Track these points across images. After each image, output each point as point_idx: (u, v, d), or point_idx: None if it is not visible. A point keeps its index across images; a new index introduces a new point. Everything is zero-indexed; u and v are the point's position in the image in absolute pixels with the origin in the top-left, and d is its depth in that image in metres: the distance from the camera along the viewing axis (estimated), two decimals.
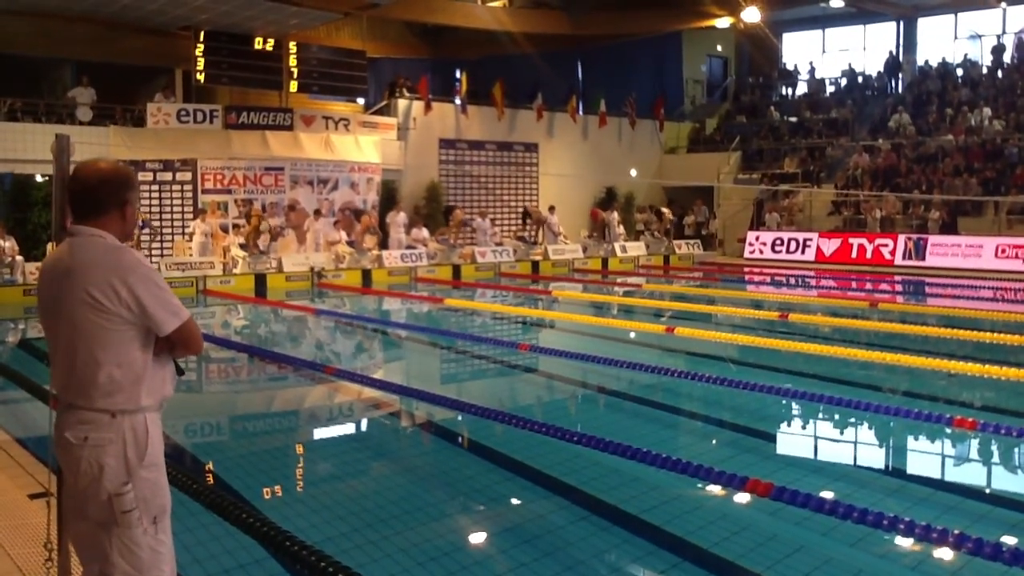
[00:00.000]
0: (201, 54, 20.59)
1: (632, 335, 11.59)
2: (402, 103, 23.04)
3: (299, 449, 6.86)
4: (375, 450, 6.81)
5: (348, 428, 7.71)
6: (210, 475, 5.99)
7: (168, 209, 18.72)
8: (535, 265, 21.62)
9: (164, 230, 18.66)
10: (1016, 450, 6.42)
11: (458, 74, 24.14)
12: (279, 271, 17.83)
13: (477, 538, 4.88)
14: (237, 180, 19.01)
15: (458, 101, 23.97)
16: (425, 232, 21.20)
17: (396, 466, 6.30)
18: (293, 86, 22.09)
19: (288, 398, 8.83)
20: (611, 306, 14.69)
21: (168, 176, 18.68)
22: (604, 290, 17.12)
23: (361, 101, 24.69)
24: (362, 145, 21.25)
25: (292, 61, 21.90)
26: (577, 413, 8.06)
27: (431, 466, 6.30)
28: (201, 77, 20.77)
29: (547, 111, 25.60)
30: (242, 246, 18.06)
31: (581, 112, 26.60)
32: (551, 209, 24.11)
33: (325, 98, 23.97)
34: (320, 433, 7.49)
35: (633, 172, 26.60)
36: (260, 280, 17.49)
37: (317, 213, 19.60)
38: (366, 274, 18.73)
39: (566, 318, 13.58)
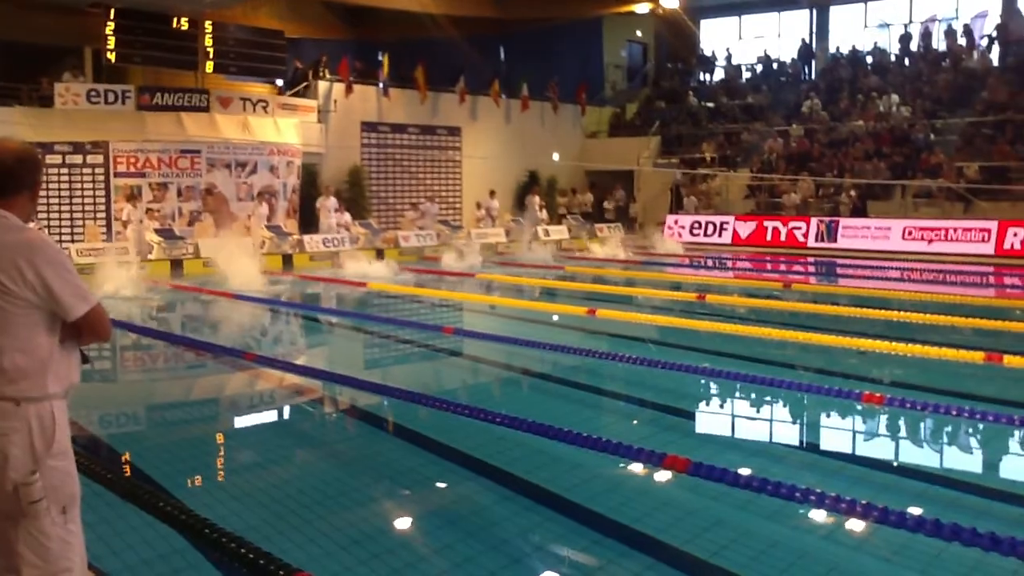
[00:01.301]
0: (112, 32, 19.86)
1: (555, 318, 11.69)
2: (323, 85, 22.70)
3: (219, 437, 6.74)
4: (298, 436, 6.74)
5: (270, 415, 7.61)
6: (127, 465, 5.85)
7: (79, 193, 18.09)
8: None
9: (75, 215, 18.03)
10: (922, 424, 6.70)
11: (380, 56, 23.84)
12: (196, 257, 17.43)
13: (402, 521, 4.88)
14: (151, 163, 18.48)
15: (380, 84, 23.73)
16: (348, 216, 20.99)
17: (319, 452, 6.25)
18: (209, 67, 21.52)
19: (207, 386, 8.66)
20: (534, 289, 14.76)
21: (78, 159, 18.04)
22: (527, 273, 17.18)
23: (280, 83, 24.22)
24: (281, 127, 20.89)
25: (208, 41, 21.31)
26: (501, 395, 8.10)
27: (355, 451, 6.27)
28: (112, 56, 20.05)
29: (470, 95, 25.55)
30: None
31: (504, 96, 26.61)
32: (491, 194, 24.20)
33: (243, 79, 23.44)
34: (241, 420, 7.37)
35: (555, 156, 26.75)
36: (176, 265, 17.06)
37: (261, 196, 19.26)
38: (287, 258, 18.45)
39: (490, 301, 13.62)
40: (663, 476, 5.26)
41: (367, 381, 7.84)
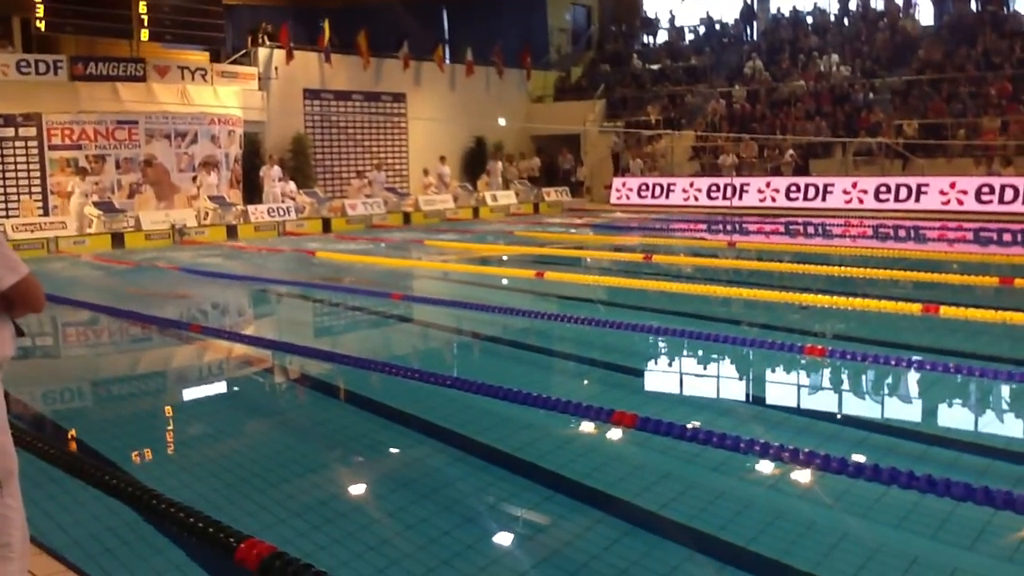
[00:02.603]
0: (41, 1, 19.20)
1: (504, 281, 11.72)
2: (263, 52, 22.26)
3: (168, 410, 6.66)
4: (248, 406, 6.70)
5: (219, 386, 7.55)
6: (73, 440, 5.77)
7: (12, 168, 17.56)
8: (406, 216, 21.49)
9: (8, 189, 17.52)
10: (862, 374, 6.88)
11: (321, 23, 23.42)
12: (137, 229, 17.09)
13: (354, 485, 4.90)
14: (87, 135, 17.99)
15: (322, 51, 23.34)
16: (292, 185, 20.72)
17: (270, 421, 6.22)
18: (144, 35, 20.91)
19: (154, 358, 8.54)
20: (484, 253, 14.76)
21: (10, 132, 17.46)
22: (476, 238, 17.17)
23: (219, 50, 23.70)
24: (221, 96, 20.48)
25: (142, 8, 20.65)
26: (451, 359, 8.14)
27: (306, 418, 6.26)
28: (42, 25, 19.37)
29: (414, 60, 25.27)
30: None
31: (448, 61, 26.39)
32: (442, 160, 24.08)
33: (180, 47, 22.87)
34: (189, 392, 7.30)
35: (502, 121, 26.65)
36: (117, 239, 16.72)
37: (207, 166, 18.90)
38: (231, 229, 18.18)
39: (439, 267, 13.59)
40: (612, 432, 5.35)
41: (316, 349, 7.81)
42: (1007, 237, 15.72)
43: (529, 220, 21.56)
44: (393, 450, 5.45)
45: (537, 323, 8.81)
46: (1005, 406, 6.17)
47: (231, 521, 3.94)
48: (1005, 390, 6.27)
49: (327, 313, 10.43)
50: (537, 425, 5.59)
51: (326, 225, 19.81)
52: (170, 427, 6.25)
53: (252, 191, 20.76)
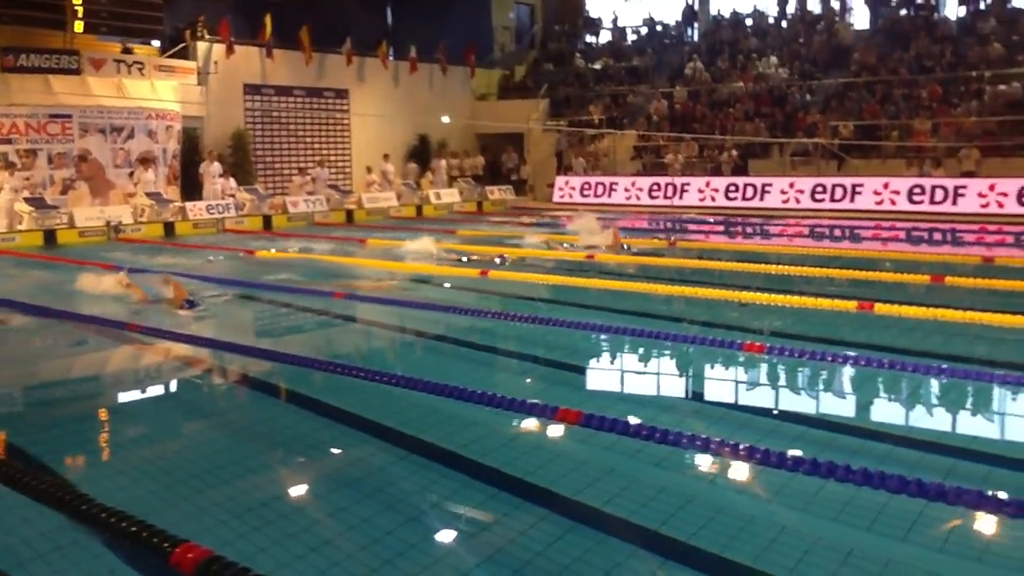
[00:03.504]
0: None
1: (448, 279, 11.68)
2: (202, 46, 21.84)
3: (102, 412, 6.51)
4: (185, 407, 6.57)
5: (156, 386, 7.38)
6: (2, 444, 5.59)
7: None
8: (349, 214, 21.30)
9: None
10: (799, 370, 7.01)
11: (263, 16, 23.06)
12: (70, 226, 16.65)
13: (296, 486, 4.84)
14: (18, 129, 17.47)
15: (263, 45, 22.99)
16: (233, 182, 20.40)
17: (209, 422, 6.12)
18: (78, 26, 20.38)
19: (89, 358, 8.33)
20: (429, 252, 14.65)
21: None
22: (421, 236, 17.08)
23: (157, 44, 23.19)
24: (159, 90, 20.06)
25: None
26: (395, 357, 8.09)
27: (245, 419, 6.17)
28: None
29: (357, 56, 25.05)
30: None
31: (392, 58, 26.20)
32: (385, 157, 23.91)
33: (116, 39, 22.33)
34: (125, 393, 7.13)
35: (445, 119, 26.58)
36: (49, 236, 16.27)
37: (145, 162, 18.47)
38: (169, 227, 17.82)
39: (383, 265, 13.47)
40: (556, 429, 5.37)
41: (256, 348, 7.69)
42: (937, 236, 16.16)
43: (473, 219, 21.50)
44: (335, 449, 5.40)
45: (480, 321, 8.80)
46: (936, 401, 6.35)
47: (167, 525, 3.85)
48: (936, 385, 6.44)
49: (268, 312, 10.27)
50: (481, 423, 5.58)
51: (267, 223, 19.54)
52: (104, 429, 6.10)
53: (191, 188, 20.38)
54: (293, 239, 16.78)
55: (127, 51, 20.86)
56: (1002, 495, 4.11)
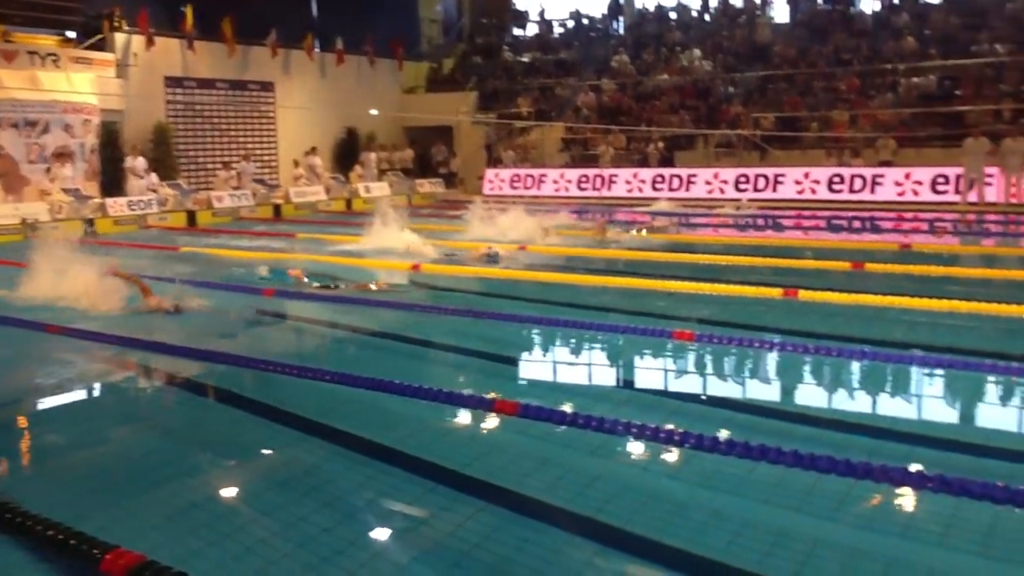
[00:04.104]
0: None
1: (380, 274, 11.58)
2: (120, 37, 21.20)
3: (22, 417, 6.28)
4: (111, 409, 6.40)
5: (80, 389, 7.15)
6: None
7: None
8: (277, 208, 20.99)
9: None
10: (729, 357, 7.16)
11: (183, 7, 22.49)
12: None
13: (228, 487, 4.76)
14: None
15: (184, 36, 22.44)
16: (155, 177, 19.90)
17: (137, 424, 5.97)
18: None
19: (8, 364, 8.02)
20: (359, 247, 14.52)
21: None
22: (350, 231, 16.91)
23: (73, 35, 22.45)
24: (75, 83, 19.43)
25: None
26: (327, 354, 8.01)
27: (174, 420, 6.03)
28: None
29: (282, 48, 24.64)
30: None
31: (318, 50, 25.85)
32: (312, 150, 23.57)
33: (29, 31, 21.52)
34: (48, 397, 6.89)
35: (373, 112, 26.36)
36: None
37: (63, 157, 17.79)
38: (88, 224, 17.30)
39: (314, 260, 13.31)
40: (492, 421, 5.39)
41: (184, 347, 7.51)
42: (857, 224, 16.65)
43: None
44: (268, 448, 5.32)
45: (413, 315, 8.76)
46: (858, 384, 6.55)
47: (95, 531, 3.76)
48: (857, 368, 6.65)
49: (195, 309, 10.04)
50: (417, 417, 5.57)
51: (191, 218, 19.13)
52: (25, 434, 5.91)
53: (111, 183, 19.81)
54: (218, 234, 16.45)
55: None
56: (925, 472, 4.28)
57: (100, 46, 20.98)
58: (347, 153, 26.18)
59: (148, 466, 4.96)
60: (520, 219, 14.65)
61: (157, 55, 21.74)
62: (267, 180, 23.01)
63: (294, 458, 5.08)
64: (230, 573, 3.63)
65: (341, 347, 8.34)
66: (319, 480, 4.65)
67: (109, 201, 18.18)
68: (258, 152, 24.25)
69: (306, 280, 10.42)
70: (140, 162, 19.64)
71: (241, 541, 3.93)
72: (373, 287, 9.93)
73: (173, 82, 22.37)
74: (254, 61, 24.18)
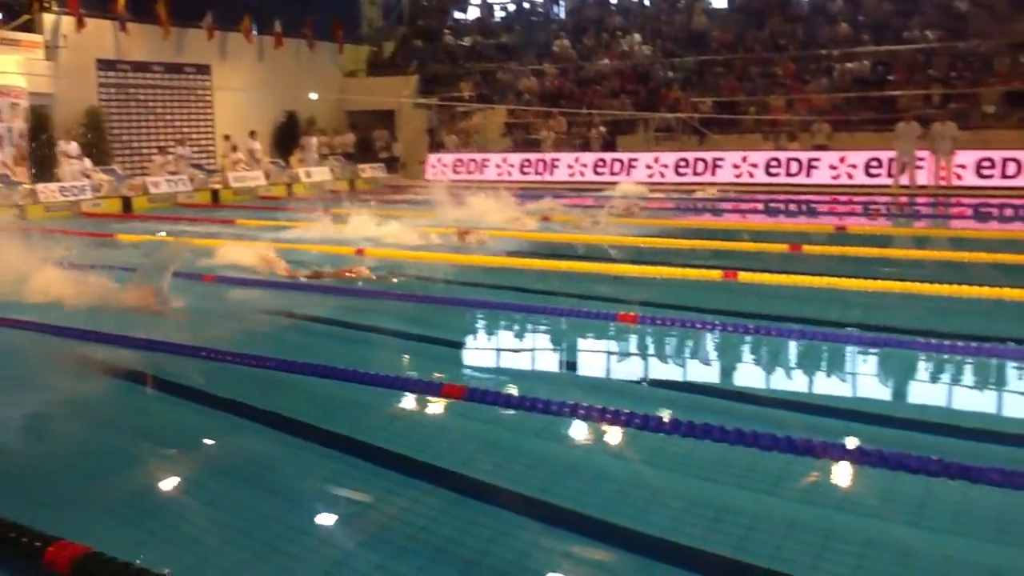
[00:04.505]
0: None
1: (324, 259, 11.46)
2: (48, 18, 20.55)
3: None
4: (47, 400, 6.23)
5: (12, 379, 6.95)
6: None
7: None
8: (215, 194, 20.62)
9: None
10: (672, 338, 7.26)
11: None
12: None
13: (171, 476, 4.69)
14: None
15: (117, 18, 21.84)
16: (88, 162, 19.38)
17: (74, 414, 5.82)
18: None
19: None
20: (301, 231, 14.35)
21: None
22: (292, 216, 16.70)
23: None
24: (2, 65, 18.79)
25: None
26: (270, 340, 7.90)
27: (112, 409, 5.91)
28: None
29: (219, 31, 24.14)
30: None
31: (256, 32, 25.37)
32: (252, 134, 23.17)
33: None
34: None
35: (314, 95, 26.01)
36: None
37: None
38: (18, 210, 16.80)
39: (253, 246, 13.11)
40: (439, 405, 5.40)
41: (122, 336, 7.34)
42: (793, 207, 16.98)
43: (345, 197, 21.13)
44: (211, 437, 5.25)
45: (357, 300, 8.71)
46: (795, 363, 6.71)
47: (38, 524, 3.68)
48: (795, 347, 6.81)
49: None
50: (362, 402, 5.56)
51: (126, 204, 18.70)
52: None
53: (40, 169, 19.25)
54: (155, 220, 16.12)
55: None
56: (863, 447, 4.41)
57: (28, 27, 20.32)
58: (287, 137, 25.82)
59: (89, 457, 4.87)
60: (489, 204, 14.58)
61: (88, 37, 21.13)
62: (205, 165, 22.57)
63: (237, 446, 5.02)
64: (175, 562, 3.58)
65: (284, 333, 8.24)
66: (263, 467, 4.61)
67: (40, 187, 17.66)
68: (195, 136, 23.77)
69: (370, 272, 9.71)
70: (73, 147, 19.11)
71: (185, 530, 3.89)
72: (350, 274, 9.62)
73: (106, 65, 21.78)
74: (190, 44, 23.67)
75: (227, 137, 23.02)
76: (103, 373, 6.82)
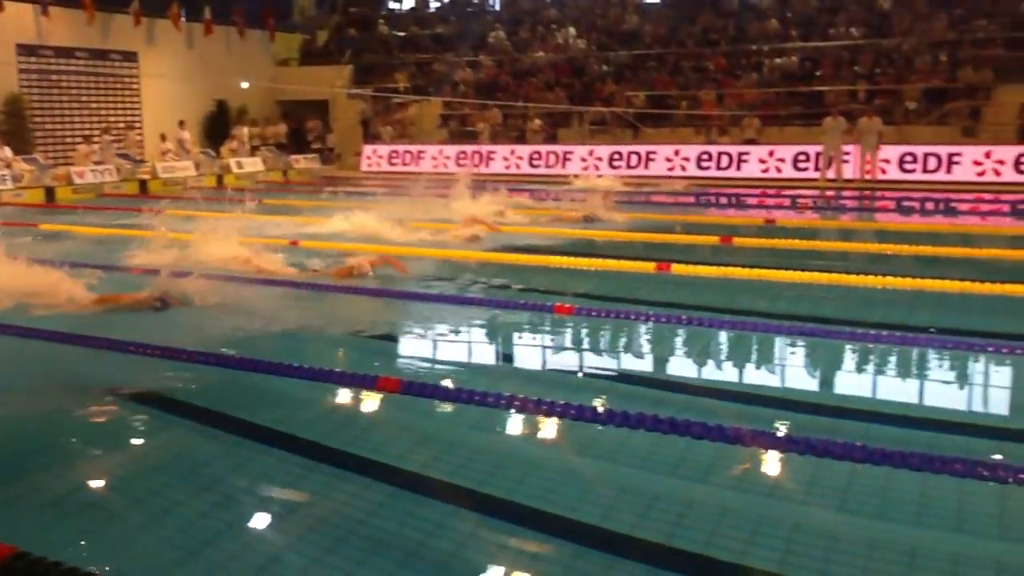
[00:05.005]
0: None
1: (258, 250, 11.27)
2: None
3: None
4: None
5: None
6: None
7: None
8: (143, 184, 20.13)
9: None
10: (607, 330, 7.34)
11: None
12: None
13: (101, 474, 4.59)
14: None
15: (38, 1, 21.13)
16: (8, 151, 18.74)
17: (2, 413, 5.65)
18: None
19: None
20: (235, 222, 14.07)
21: None
22: (224, 207, 16.40)
23: None
24: None
25: None
26: (198, 334, 7.75)
27: (43, 407, 5.73)
28: None
29: (146, 17, 23.54)
30: None
31: (184, 19, 24.81)
32: (181, 124, 22.65)
33: None
34: None
35: (244, 84, 25.55)
36: None
37: None
38: None
39: (185, 238, 12.85)
40: (374, 399, 5.38)
41: (38, 330, 7.10)
42: (723, 200, 17.28)
43: (278, 188, 20.87)
44: (140, 434, 5.15)
45: (291, 292, 8.59)
46: (725, 354, 6.84)
47: None
48: (725, 338, 6.95)
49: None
50: (295, 397, 5.49)
51: (50, 195, 18.14)
52: None
53: None
54: (80, 211, 15.68)
55: None
56: (792, 435, 4.53)
57: None
58: (218, 127, 25.33)
59: (16, 456, 4.73)
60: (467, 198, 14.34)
61: (7, 20, 20.42)
62: (132, 155, 22.02)
63: (168, 442, 4.94)
64: (106, 561, 3.51)
65: (216, 324, 8.09)
66: (194, 464, 4.54)
67: None
68: (121, 125, 23.15)
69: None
70: None
71: (116, 529, 3.82)
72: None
73: (26, 50, 21.08)
74: (116, 29, 23.03)
75: (163, 137, 22.45)
76: (28, 369, 6.61)
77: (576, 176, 20.44)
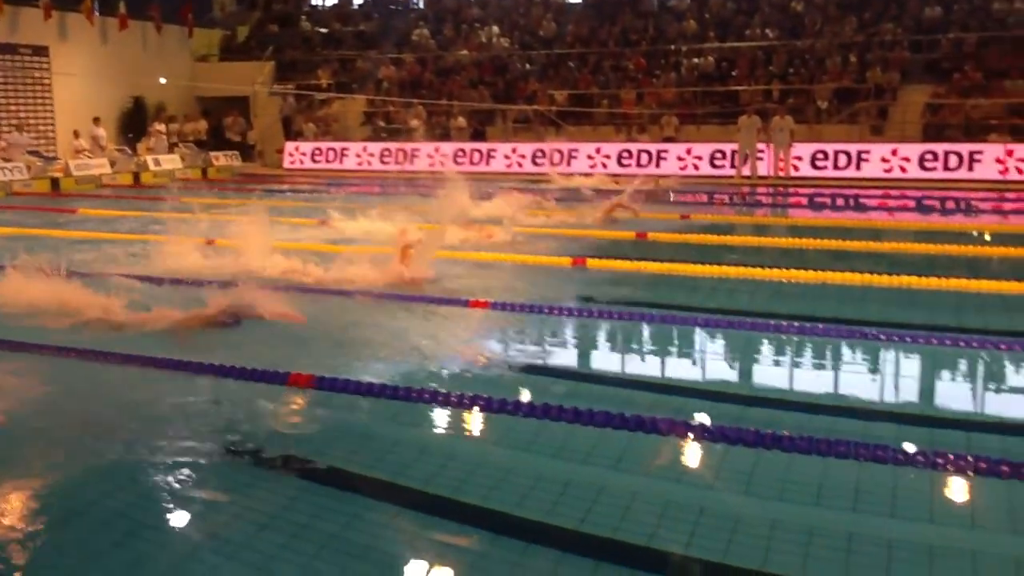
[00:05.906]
0: None
1: (175, 249, 11.06)
2: None
3: None
4: None
5: None
6: None
7: None
8: (55, 182, 19.55)
9: None
10: (522, 324, 7.42)
11: None
12: None
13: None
14: None
15: None
16: None
17: None
18: None
19: None
20: (152, 221, 13.79)
21: None
22: (141, 206, 16.02)
23: None
24: None
25: None
26: (111, 333, 7.57)
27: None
28: None
29: (57, 10, 22.82)
30: None
31: (98, 13, 24.12)
32: (96, 121, 22.00)
33: None
34: None
35: (162, 80, 24.98)
36: None
37: None
38: None
39: (101, 237, 12.53)
40: (288, 395, 5.35)
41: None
42: (642, 197, 17.51)
43: (197, 186, 20.46)
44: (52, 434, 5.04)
45: (200, 290, 8.45)
46: (636, 345, 7.02)
47: None
48: (636, 330, 7.13)
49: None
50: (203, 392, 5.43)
51: None
52: None
53: None
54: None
55: None
56: (701, 422, 4.70)
57: None
58: (134, 124, 24.73)
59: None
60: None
61: None
62: (43, 152, 21.35)
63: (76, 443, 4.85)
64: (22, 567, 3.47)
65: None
66: (97, 471, 4.46)
67: None
68: (31, 122, 22.44)
69: None
70: None
71: (28, 530, 3.77)
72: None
73: None
74: (25, 23, 22.28)
75: (76, 134, 21.77)
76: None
77: (560, 175, 19.98)
